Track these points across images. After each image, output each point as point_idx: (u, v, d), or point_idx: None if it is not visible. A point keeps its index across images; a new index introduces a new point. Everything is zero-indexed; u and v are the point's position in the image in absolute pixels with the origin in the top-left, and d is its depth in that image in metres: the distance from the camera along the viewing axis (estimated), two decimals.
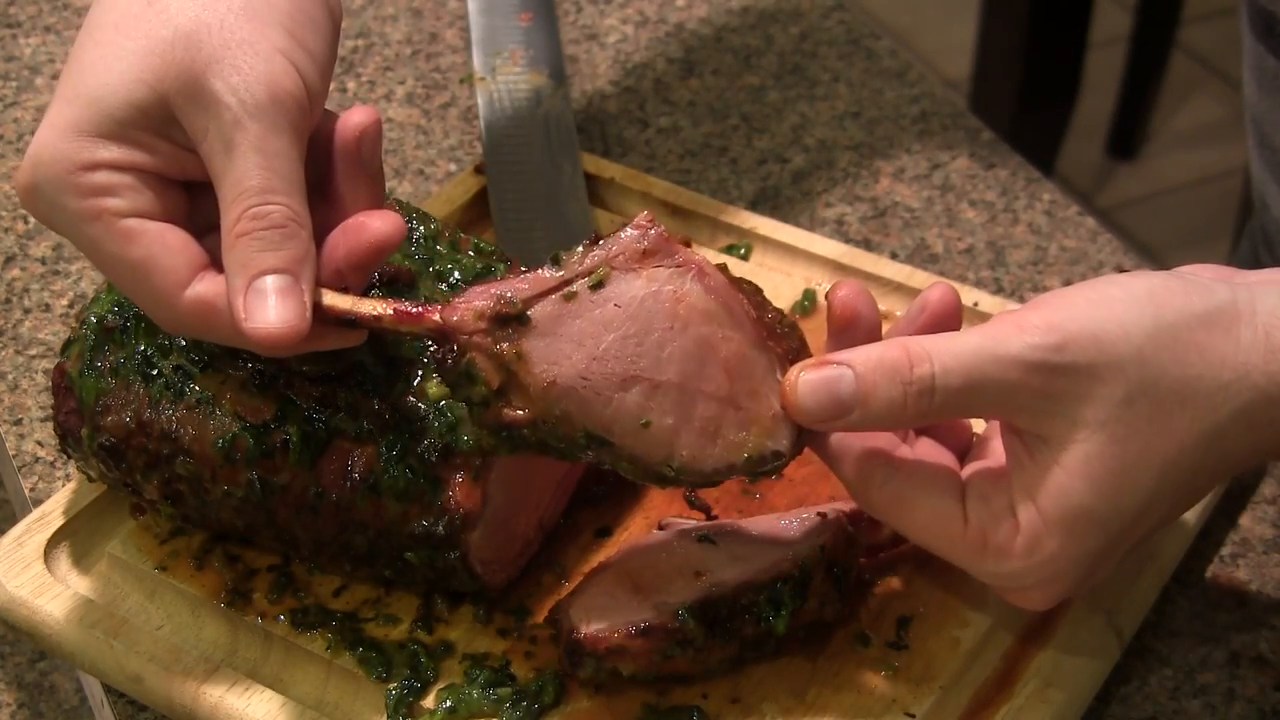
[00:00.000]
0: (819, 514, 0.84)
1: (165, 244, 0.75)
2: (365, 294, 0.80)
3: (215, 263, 0.76)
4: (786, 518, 0.84)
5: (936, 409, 0.72)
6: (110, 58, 0.75)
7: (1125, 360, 0.71)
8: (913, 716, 0.80)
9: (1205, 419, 0.72)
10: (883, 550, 0.86)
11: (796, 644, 0.82)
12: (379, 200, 0.80)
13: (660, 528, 0.87)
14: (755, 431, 0.75)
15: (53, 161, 0.75)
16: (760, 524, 0.84)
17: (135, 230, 0.75)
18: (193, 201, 0.78)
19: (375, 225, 0.77)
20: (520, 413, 0.74)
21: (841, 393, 0.73)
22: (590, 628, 0.79)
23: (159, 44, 0.74)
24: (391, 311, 0.75)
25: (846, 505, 0.84)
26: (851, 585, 0.83)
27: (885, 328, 1.01)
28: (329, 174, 0.78)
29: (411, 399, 0.81)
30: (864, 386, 0.73)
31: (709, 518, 0.89)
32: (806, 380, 0.74)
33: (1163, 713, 0.85)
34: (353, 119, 0.78)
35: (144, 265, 0.75)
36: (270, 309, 0.73)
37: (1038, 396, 0.71)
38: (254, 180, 0.73)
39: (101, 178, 0.75)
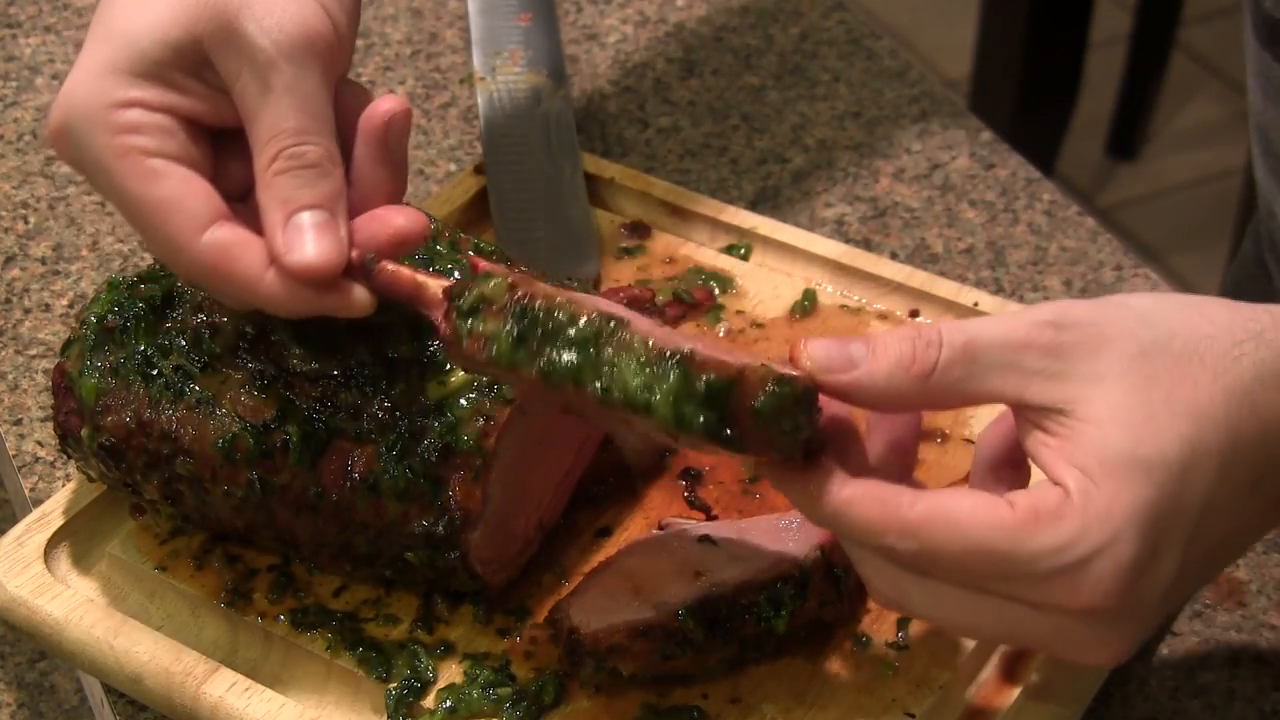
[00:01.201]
0: None
1: (188, 187, 0.76)
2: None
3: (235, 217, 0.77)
4: (786, 518, 0.84)
5: (942, 370, 0.69)
6: (144, 1, 0.76)
7: (1131, 322, 0.70)
8: (912, 716, 0.80)
9: (1227, 373, 0.69)
10: None
11: (796, 644, 0.82)
12: (400, 190, 0.80)
13: (660, 528, 0.87)
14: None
15: (85, 99, 0.76)
16: (760, 524, 0.84)
17: (160, 170, 0.76)
18: (218, 166, 0.79)
19: (399, 220, 0.77)
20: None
21: (850, 348, 0.71)
22: (590, 628, 0.79)
23: None
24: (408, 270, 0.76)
25: None
26: (851, 585, 0.82)
27: (884, 327, 1.01)
28: (352, 158, 0.79)
29: (411, 399, 0.81)
30: (872, 344, 0.71)
31: (709, 518, 0.89)
32: (817, 341, 0.72)
33: (1163, 713, 0.85)
34: (382, 106, 0.79)
35: (165, 206, 0.75)
36: (309, 243, 0.75)
37: (1048, 355, 0.69)
38: (290, 121, 0.75)
39: (133, 115, 0.76)
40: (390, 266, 0.76)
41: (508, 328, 0.71)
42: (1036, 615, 0.69)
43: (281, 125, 0.75)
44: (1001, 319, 0.70)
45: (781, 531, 0.83)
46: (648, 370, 0.69)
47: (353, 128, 0.79)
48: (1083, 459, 0.68)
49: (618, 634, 0.78)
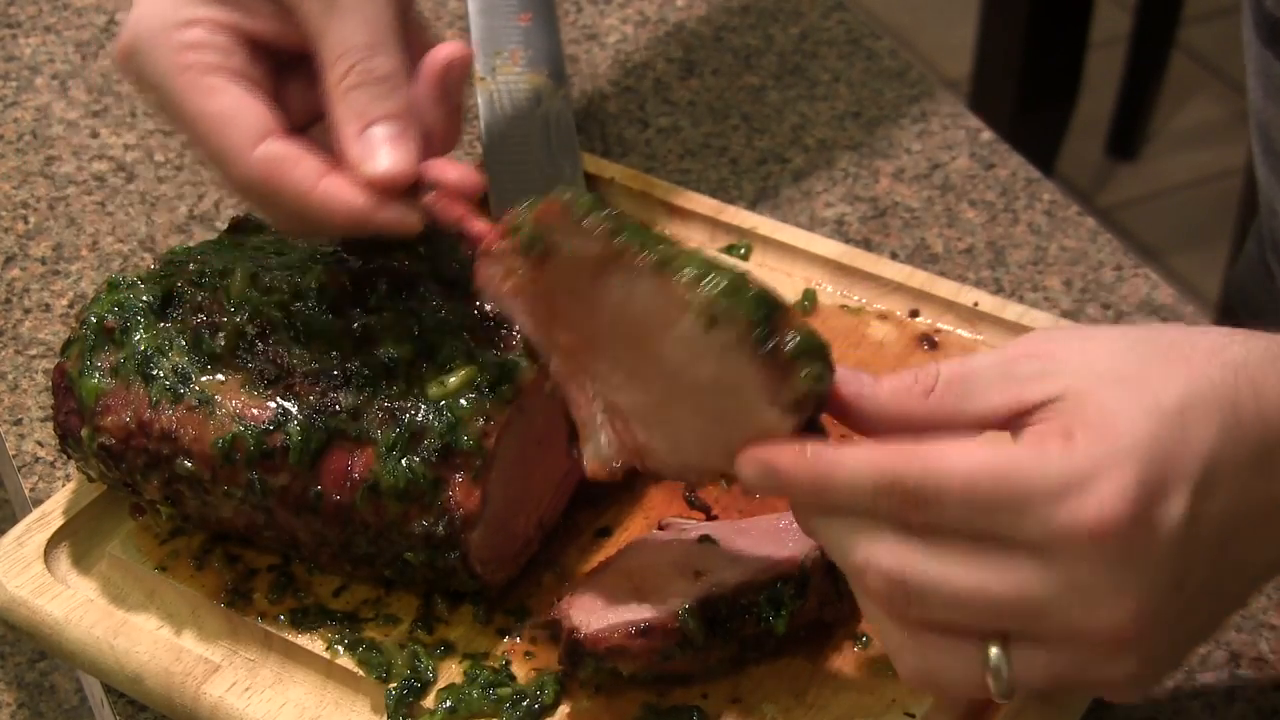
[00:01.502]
0: None
1: (244, 102, 0.79)
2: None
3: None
4: (786, 518, 0.84)
5: (943, 387, 0.70)
6: None
7: (1117, 329, 0.72)
8: (912, 716, 0.80)
9: (1222, 351, 0.69)
10: None
11: (796, 644, 0.82)
12: (455, 135, 0.83)
13: (660, 528, 0.87)
14: None
15: (151, 19, 0.79)
16: (760, 524, 0.84)
17: (217, 86, 0.78)
18: (279, 95, 0.81)
19: (452, 175, 0.80)
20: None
21: (856, 372, 0.72)
22: (590, 628, 0.79)
23: None
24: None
25: None
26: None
27: (884, 327, 1.01)
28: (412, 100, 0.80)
29: (411, 399, 0.81)
30: (875, 376, 0.72)
31: (709, 518, 0.89)
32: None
33: (1163, 713, 0.85)
34: (442, 51, 0.81)
35: (221, 119, 0.78)
36: (384, 154, 0.77)
37: (1039, 359, 0.70)
38: (360, 37, 0.77)
39: (195, 34, 0.78)
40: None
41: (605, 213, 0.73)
42: (1045, 571, 0.66)
43: (351, 41, 0.77)
44: (994, 349, 0.72)
45: (781, 531, 0.83)
46: (712, 267, 0.71)
47: (413, 68, 0.81)
48: (1089, 414, 0.67)
49: (617, 634, 0.78)
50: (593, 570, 0.84)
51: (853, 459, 0.68)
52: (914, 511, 0.67)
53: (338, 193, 0.78)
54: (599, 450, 0.76)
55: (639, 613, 0.79)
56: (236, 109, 0.78)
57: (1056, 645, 0.68)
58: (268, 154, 0.78)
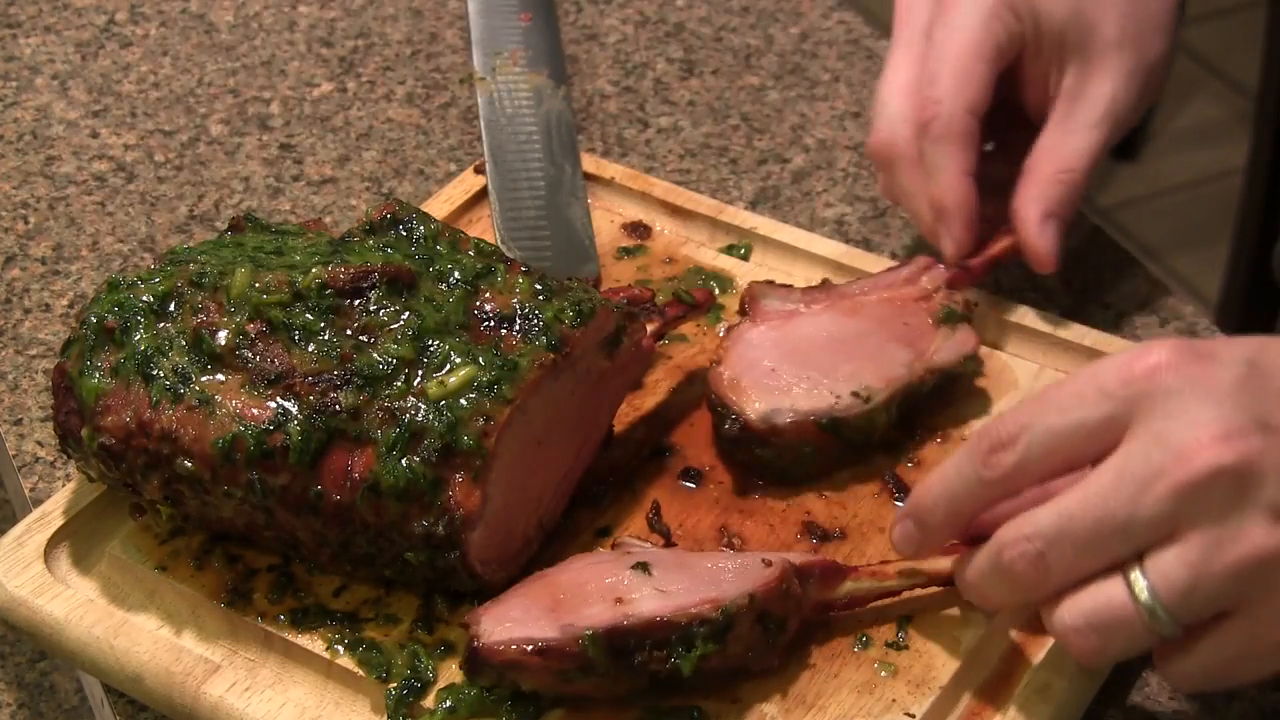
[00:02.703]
0: (763, 560, 0.81)
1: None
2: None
3: None
4: (728, 559, 0.82)
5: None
6: None
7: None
8: (912, 716, 0.80)
9: None
10: (835, 609, 0.83)
11: (716, 682, 0.80)
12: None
13: (613, 546, 0.86)
14: None
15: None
16: (703, 560, 0.82)
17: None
18: None
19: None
20: None
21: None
22: (491, 638, 0.77)
23: None
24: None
25: (800, 557, 0.82)
26: (789, 638, 0.81)
27: None
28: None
29: (411, 399, 0.81)
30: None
31: (666, 543, 0.88)
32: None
33: (1163, 713, 0.85)
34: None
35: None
36: (1049, 243, 0.97)
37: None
38: (1087, 152, 0.97)
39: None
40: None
41: None
42: (1144, 445, 0.72)
43: (1081, 149, 0.97)
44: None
45: (717, 573, 0.80)
46: None
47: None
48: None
49: (514, 648, 0.77)
50: (529, 578, 0.83)
51: (959, 456, 0.78)
52: (1003, 452, 0.75)
53: (951, 218, 0.97)
54: None
55: (544, 631, 0.77)
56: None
57: (1177, 530, 0.71)
58: (962, 183, 0.97)
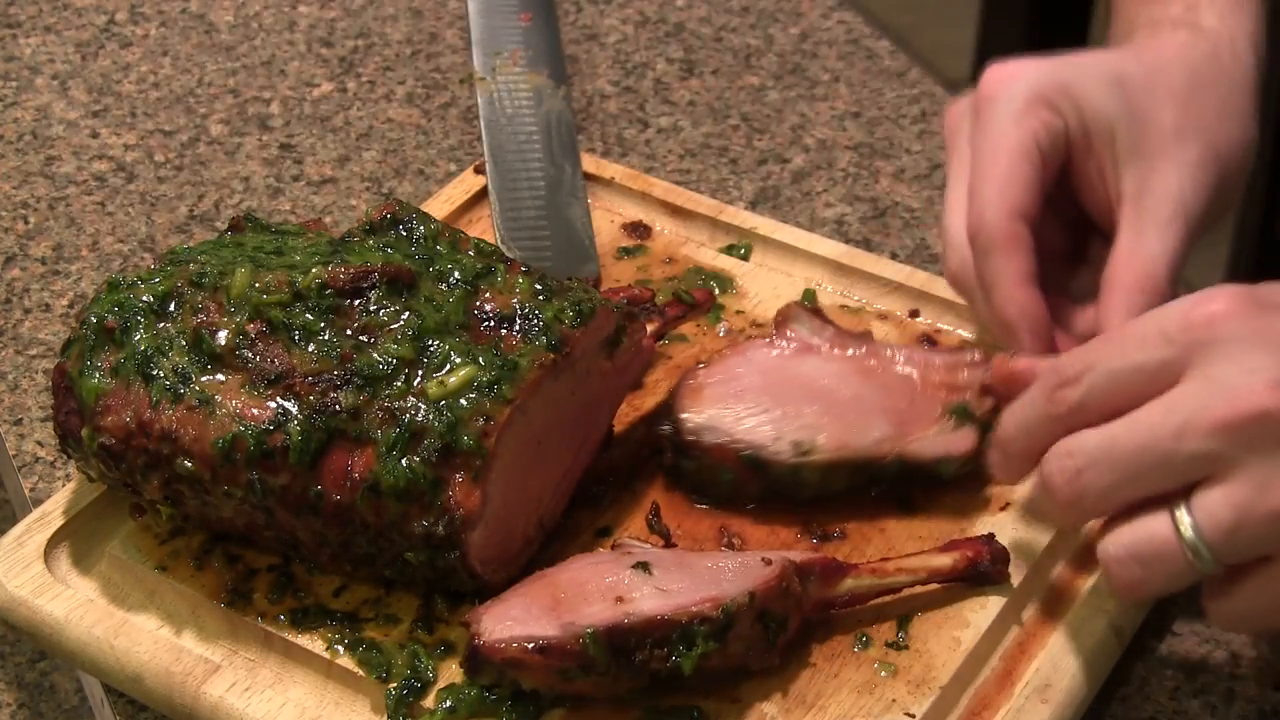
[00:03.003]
0: (763, 559, 0.81)
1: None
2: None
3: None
4: (728, 558, 0.82)
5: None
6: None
7: None
8: (912, 716, 0.80)
9: None
10: (835, 607, 0.83)
11: (716, 682, 0.80)
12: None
13: (613, 546, 0.86)
14: None
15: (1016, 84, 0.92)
16: (702, 560, 0.82)
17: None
18: None
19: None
20: None
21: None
22: (492, 636, 0.77)
23: None
24: None
25: (800, 555, 0.83)
26: (790, 637, 0.81)
27: (884, 327, 1.01)
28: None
29: (411, 399, 0.81)
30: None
31: (666, 544, 0.88)
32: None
33: (1163, 713, 0.85)
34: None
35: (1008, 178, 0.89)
36: None
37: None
38: (1168, 260, 0.88)
39: (1044, 117, 0.90)
40: None
41: None
42: (1197, 386, 0.74)
43: (1165, 257, 0.88)
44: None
45: (717, 572, 0.81)
46: None
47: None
48: None
49: (515, 646, 0.77)
50: (529, 577, 0.83)
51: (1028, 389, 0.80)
52: (1068, 389, 0.77)
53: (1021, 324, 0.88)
54: None
55: (545, 629, 0.77)
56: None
57: (1224, 470, 0.73)
58: (1010, 229, 0.88)
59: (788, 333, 0.94)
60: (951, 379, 0.91)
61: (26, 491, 0.98)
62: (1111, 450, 0.75)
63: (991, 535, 0.86)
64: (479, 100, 1.18)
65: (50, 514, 0.90)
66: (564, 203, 1.10)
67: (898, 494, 0.90)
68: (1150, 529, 0.75)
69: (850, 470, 0.88)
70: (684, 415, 0.89)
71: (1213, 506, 0.73)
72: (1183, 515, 0.74)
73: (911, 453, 0.89)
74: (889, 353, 0.93)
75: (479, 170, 1.13)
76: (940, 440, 0.89)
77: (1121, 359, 0.76)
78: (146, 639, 0.85)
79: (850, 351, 0.93)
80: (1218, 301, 0.75)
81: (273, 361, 0.83)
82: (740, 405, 0.90)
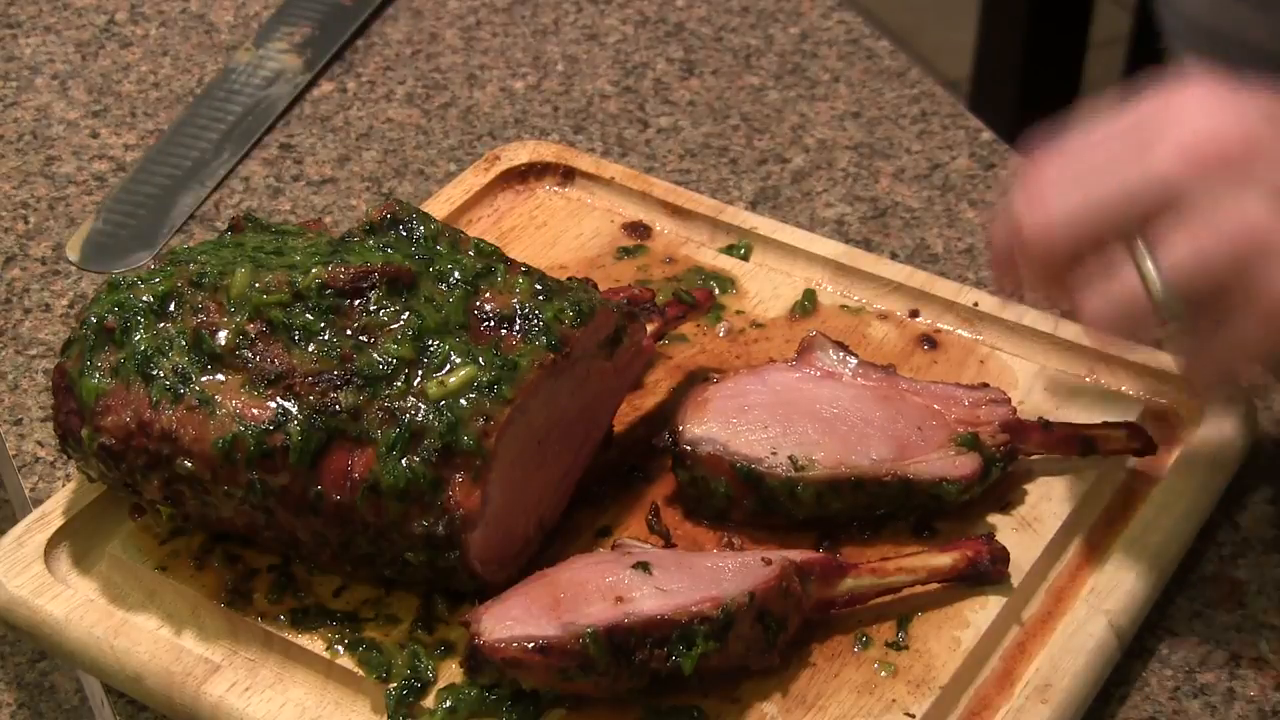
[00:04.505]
0: (763, 559, 0.81)
1: None
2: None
3: None
4: (728, 558, 0.82)
5: None
6: None
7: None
8: (912, 716, 0.80)
9: None
10: (835, 607, 0.83)
11: (716, 681, 0.80)
12: None
13: (613, 547, 0.86)
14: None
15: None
16: (703, 559, 0.82)
17: None
18: None
19: None
20: None
21: None
22: (492, 636, 0.77)
23: None
24: None
25: (800, 555, 0.83)
26: (790, 636, 0.81)
27: (884, 327, 1.01)
28: None
29: (411, 399, 0.81)
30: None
31: (666, 544, 0.88)
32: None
33: (1163, 713, 0.85)
34: None
35: None
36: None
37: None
38: None
39: None
40: None
41: None
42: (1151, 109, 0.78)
43: None
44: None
45: (717, 572, 0.81)
46: None
47: None
48: None
49: (515, 646, 0.77)
50: (529, 577, 0.83)
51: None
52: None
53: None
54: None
55: (545, 629, 0.77)
56: None
57: (1183, 207, 0.75)
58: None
59: (810, 359, 0.93)
60: (971, 415, 0.90)
61: (26, 491, 0.98)
62: (1078, 172, 0.78)
63: (991, 535, 0.86)
64: (223, 68, 1.17)
65: (50, 514, 0.90)
66: (184, 186, 1.14)
67: (908, 521, 0.89)
68: (1120, 279, 0.77)
69: (848, 489, 0.87)
70: (683, 426, 0.89)
71: (1171, 245, 0.75)
72: (1144, 256, 0.76)
73: (910, 473, 0.87)
74: (908, 385, 0.92)
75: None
76: (940, 463, 0.88)
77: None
78: (146, 639, 0.85)
79: (871, 383, 0.92)
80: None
81: (273, 361, 0.83)
82: (742, 420, 0.89)
